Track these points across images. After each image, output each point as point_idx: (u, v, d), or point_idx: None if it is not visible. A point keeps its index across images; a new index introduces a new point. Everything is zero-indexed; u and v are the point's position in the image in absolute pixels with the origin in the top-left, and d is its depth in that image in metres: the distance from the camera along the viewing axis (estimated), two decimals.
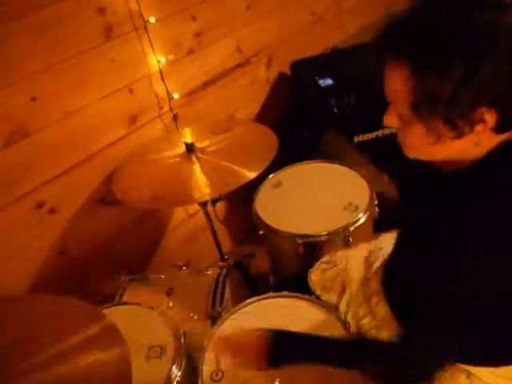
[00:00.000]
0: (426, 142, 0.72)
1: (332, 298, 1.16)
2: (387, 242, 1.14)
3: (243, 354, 0.90)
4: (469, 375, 0.86)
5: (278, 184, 1.57)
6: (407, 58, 0.67)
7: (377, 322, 1.01)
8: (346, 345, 0.90)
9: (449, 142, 0.71)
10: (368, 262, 1.15)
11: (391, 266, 1.04)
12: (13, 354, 0.83)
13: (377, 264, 1.11)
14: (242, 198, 1.59)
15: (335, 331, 1.04)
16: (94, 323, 0.89)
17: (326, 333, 0.92)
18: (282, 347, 0.88)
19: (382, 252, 1.13)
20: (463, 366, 0.86)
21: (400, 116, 0.74)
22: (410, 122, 0.72)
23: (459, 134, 0.68)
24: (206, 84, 1.72)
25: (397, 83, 0.70)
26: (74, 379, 0.80)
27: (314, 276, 1.23)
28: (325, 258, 1.27)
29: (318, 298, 1.17)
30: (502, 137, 0.71)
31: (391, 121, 0.76)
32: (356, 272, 1.15)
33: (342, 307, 1.12)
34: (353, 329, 1.06)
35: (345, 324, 1.05)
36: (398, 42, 0.68)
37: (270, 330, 0.90)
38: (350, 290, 1.12)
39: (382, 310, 1.01)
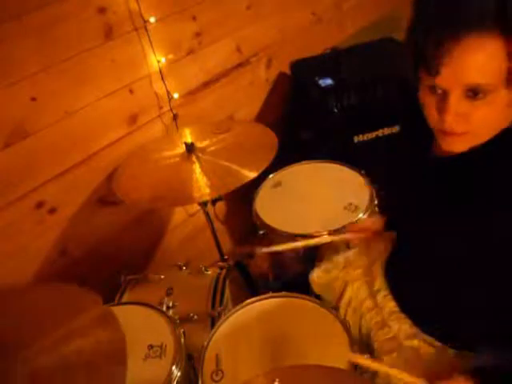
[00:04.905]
0: (506, 112, 0.71)
1: (332, 296, 1.16)
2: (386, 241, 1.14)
3: None
4: None
5: (278, 184, 1.57)
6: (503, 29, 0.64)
7: (383, 315, 1.01)
8: None
9: None
10: (370, 259, 1.15)
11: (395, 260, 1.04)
12: (16, 340, 0.83)
13: (380, 260, 1.11)
14: (241, 198, 1.59)
15: (335, 331, 1.04)
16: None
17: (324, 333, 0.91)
18: None
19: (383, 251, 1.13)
20: None
21: (472, 99, 0.69)
22: (493, 97, 0.69)
23: None
24: (206, 84, 1.72)
25: (487, 59, 0.66)
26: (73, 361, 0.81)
27: (316, 276, 1.23)
28: (326, 260, 1.26)
29: (317, 297, 1.17)
30: None
31: (464, 109, 0.70)
32: (358, 268, 1.15)
33: (344, 303, 1.11)
34: (353, 327, 1.06)
35: (345, 324, 1.05)
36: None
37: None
38: (351, 286, 1.12)
39: (389, 304, 1.01)
